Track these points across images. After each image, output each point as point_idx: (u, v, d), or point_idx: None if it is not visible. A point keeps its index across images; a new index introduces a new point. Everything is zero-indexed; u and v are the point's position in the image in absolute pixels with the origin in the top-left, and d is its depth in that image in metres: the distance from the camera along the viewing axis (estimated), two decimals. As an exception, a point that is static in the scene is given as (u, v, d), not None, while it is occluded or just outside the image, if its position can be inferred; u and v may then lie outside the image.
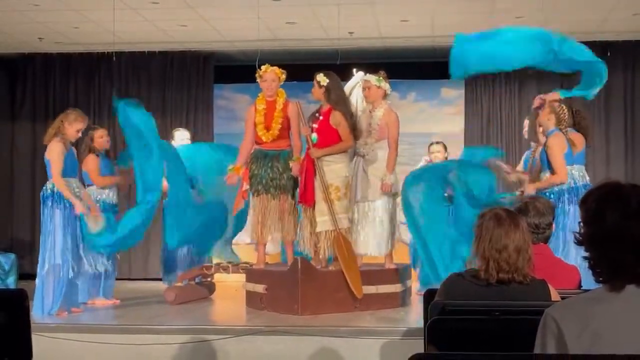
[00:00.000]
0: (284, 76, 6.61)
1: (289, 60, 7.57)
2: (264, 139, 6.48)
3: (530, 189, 5.92)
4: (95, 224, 6.29)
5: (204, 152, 7.32)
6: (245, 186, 6.61)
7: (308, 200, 6.26)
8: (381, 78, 6.51)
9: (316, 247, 6.33)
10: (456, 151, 7.99)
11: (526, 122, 6.81)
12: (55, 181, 6.18)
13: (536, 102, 6.19)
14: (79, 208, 6.19)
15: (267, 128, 6.47)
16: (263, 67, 6.61)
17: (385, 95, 6.58)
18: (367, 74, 6.62)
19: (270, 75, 6.55)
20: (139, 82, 9.95)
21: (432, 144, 7.71)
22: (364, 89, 6.58)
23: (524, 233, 2.85)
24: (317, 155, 6.26)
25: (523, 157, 7.06)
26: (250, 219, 6.73)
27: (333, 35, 8.68)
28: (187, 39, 9.29)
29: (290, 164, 6.38)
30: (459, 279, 2.90)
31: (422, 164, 7.66)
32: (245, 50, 9.51)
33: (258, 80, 6.59)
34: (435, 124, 9.74)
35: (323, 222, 6.26)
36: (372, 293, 6.25)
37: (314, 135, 6.29)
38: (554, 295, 2.87)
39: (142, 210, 6.35)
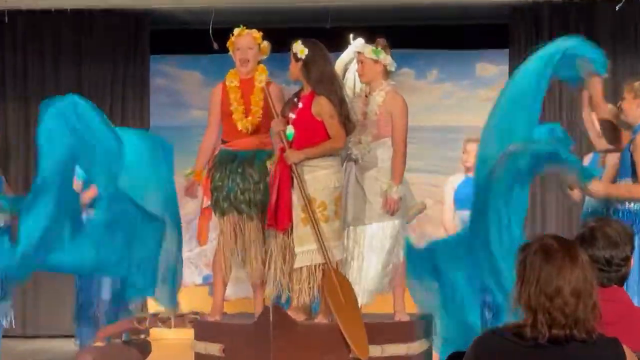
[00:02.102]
0: (265, 44, 6.56)
1: (258, 23, 7.49)
2: (240, 126, 6.41)
3: (599, 188, 5.95)
4: None
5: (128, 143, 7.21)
6: (207, 202, 6.60)
7: (281, 222, 6.25)
8: (379, 49, 6.52)
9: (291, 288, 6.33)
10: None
11: (587, 116, 6.76)
12: None
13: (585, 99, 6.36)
14: None
15: (247, 113, 6.44)
16: (236, 30, 6.56)
17: (386, 73, 6.59)
18: (365, 43, 6.64)
19: (245, 41, 6.49)
20: (41, 53, 9.97)
21: (468, 141, 7.83)
22: (357, 63, 6.61)
23: (586, 270, 2.86)
24: (296, 159, 6.24)
25: (587, 162, 7.09)
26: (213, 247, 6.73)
27: (321, -13, 8.73)
28: (113, -8, 9.34)
29: (268, 166, 6.37)
30: (495, 338, 2.91)
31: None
32: (193, 9, 9.53)
33: (230, 49, 6.56)
34: (467, 113, 9.75)
35: (304, 253, 6.24)
36: (375, 356, 6.24)
37: (290, 130, 6.29)
38: (631, 358, 2.88)
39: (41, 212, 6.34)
